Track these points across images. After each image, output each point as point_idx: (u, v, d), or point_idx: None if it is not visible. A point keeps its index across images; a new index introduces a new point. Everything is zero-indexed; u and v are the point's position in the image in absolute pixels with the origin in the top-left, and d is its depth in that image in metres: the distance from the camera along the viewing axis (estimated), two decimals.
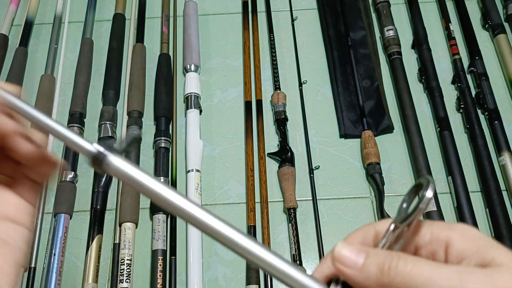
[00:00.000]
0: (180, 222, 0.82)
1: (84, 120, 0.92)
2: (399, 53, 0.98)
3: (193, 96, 0.92)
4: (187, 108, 0.92)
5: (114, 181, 0.85)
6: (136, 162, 0.86)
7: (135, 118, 0.90)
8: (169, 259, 0.78)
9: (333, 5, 1.05)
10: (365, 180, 0.86)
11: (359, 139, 0.89)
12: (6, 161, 0.34)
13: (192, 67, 0.96)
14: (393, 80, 0.96)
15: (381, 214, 0.81)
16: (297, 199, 0.82)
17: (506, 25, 1.01)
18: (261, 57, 0.99)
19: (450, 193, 0.83)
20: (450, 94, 0.94)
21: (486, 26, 1.01)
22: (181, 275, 0.78)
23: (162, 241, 0.78)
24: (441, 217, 0.80)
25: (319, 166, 0.87)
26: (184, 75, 0.97)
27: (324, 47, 1.01)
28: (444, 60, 0.99)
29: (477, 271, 0.25)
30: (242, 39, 1.02)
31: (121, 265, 0.76)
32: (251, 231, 0.80)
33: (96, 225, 0.80)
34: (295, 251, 0.78)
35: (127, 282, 0.75)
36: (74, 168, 0.86)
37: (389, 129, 0.91)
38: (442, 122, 0.89)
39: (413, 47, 1.00)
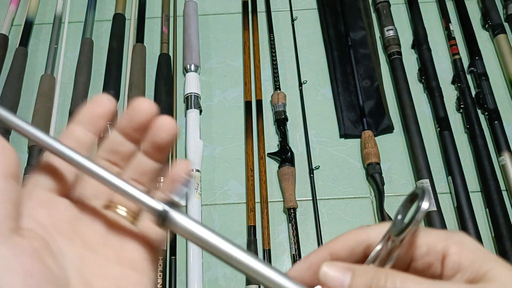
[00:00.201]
0: None
1: None
2: (399, 53, 0.98)
3: (193, 96, 0.92)
4: (187, 108, 0.92)
5: None
6: None
7: None
8: (169, 259, 0.78)
9: (333, 5, 1.05)
10: (365, 180, 0.86)
11: (359, 139, 0.89)
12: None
13: (192, 67, 0.96)
14: (393, 80, 0.96)
15: (381, 214, 0.81)
16: (297, 199, 0.82)
17: (506, 25, 1.01)
18: (261, 57, 0.99)
19: (450, 193, 0.83)
20: (450, 94, 0.94)
21: (486, 26, 1.01)
22: (181, 275, 0.78)
23: None
24: (441, 217, 0.80)
25: (319, 166, 0.87)
26: (184, 75, 0.97)
27: (324, 47, 1.01)
28: (444, 60, 0.99)
29: None
30: (242, 39, 1.02)
31: None
32: (251, 231, 0.80)
33: None
34: (295, 251, 0.78)
35: None
36: None
37: (389, 129, 0.91)
38: (442, 122, 0.89)
39: (413, 47, 1.00)
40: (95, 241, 0.27)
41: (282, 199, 0.84)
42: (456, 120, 0.91)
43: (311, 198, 0.84)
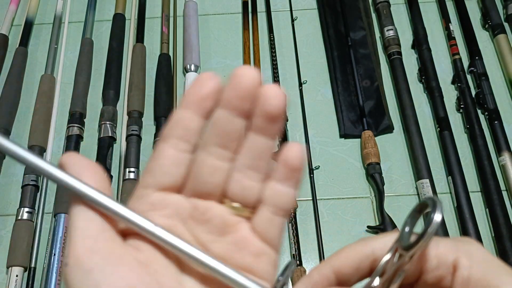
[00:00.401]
0: None
1: (84, 120, 0.92)
2: (399, 53, 0.98)
3: None
4: None
5: (114, 180, 0.85)
6: (136, 162, 0.86)
7: (135, 118, 0.90)
8: None
9: (333, 5, 1.05)
10: (365, 180, 0.86)
11: (359, 139, 0.89)
12: None
13: (192, 67, 0.96)
14: (393, 80, 0.96)
15: (381, 214, 0.81)
16: (297, 199, 0.82)
17: (506, 25, 1.01)
18: (261, 57, 0.99)
19: (450, 193, 0.83)
20: (450, 94, 0.94)
21: (486, 26, 1.01)
22: None
23: None
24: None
25: (319, 166, 0.87)
26: (184, 75, 0.97)
27: (324, 47, 1.01)
28: (444, 60, 0.99)
29: None
30: (242, 39, 1.02)
31: None
32: None
33: None
34: (295, 251, 0.78)
35: None
36: None
37: (389, 129, 0.91)
38: (442, 122, 0.89)
39: (413, 47, 1.00)
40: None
41: None
42: (456, 120, 0.91)
43: (311, 198, 0.84)
